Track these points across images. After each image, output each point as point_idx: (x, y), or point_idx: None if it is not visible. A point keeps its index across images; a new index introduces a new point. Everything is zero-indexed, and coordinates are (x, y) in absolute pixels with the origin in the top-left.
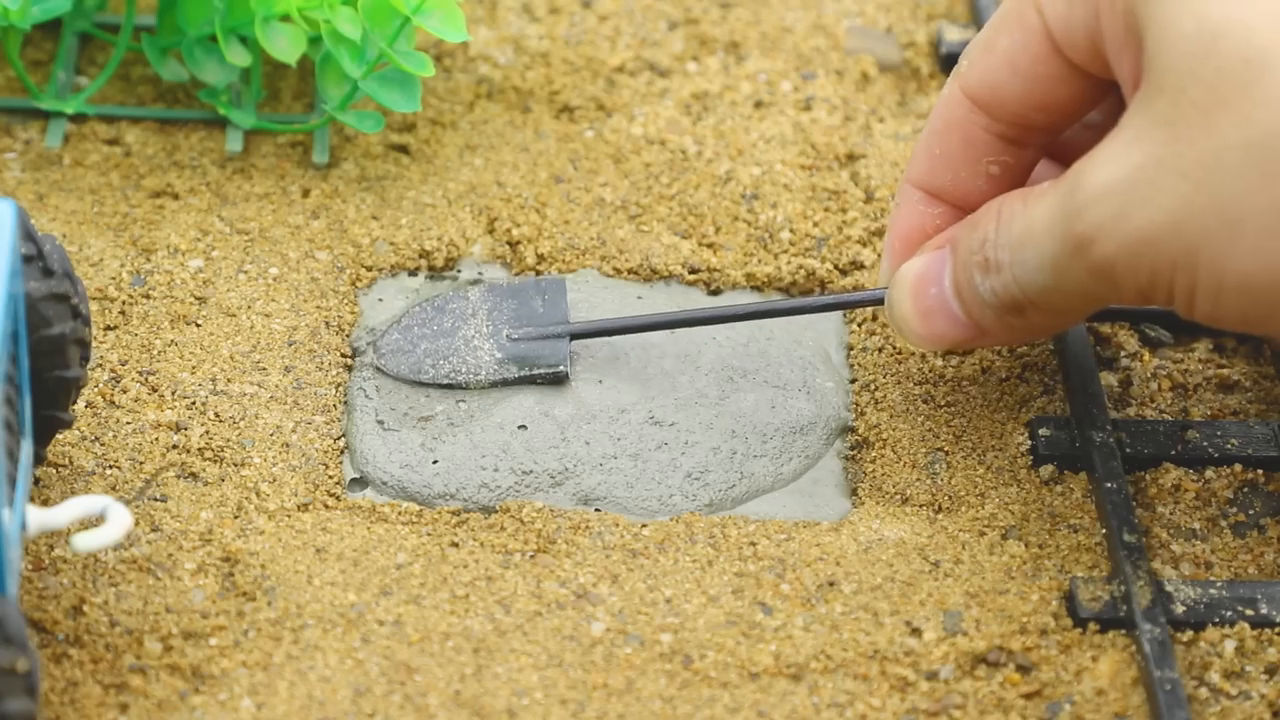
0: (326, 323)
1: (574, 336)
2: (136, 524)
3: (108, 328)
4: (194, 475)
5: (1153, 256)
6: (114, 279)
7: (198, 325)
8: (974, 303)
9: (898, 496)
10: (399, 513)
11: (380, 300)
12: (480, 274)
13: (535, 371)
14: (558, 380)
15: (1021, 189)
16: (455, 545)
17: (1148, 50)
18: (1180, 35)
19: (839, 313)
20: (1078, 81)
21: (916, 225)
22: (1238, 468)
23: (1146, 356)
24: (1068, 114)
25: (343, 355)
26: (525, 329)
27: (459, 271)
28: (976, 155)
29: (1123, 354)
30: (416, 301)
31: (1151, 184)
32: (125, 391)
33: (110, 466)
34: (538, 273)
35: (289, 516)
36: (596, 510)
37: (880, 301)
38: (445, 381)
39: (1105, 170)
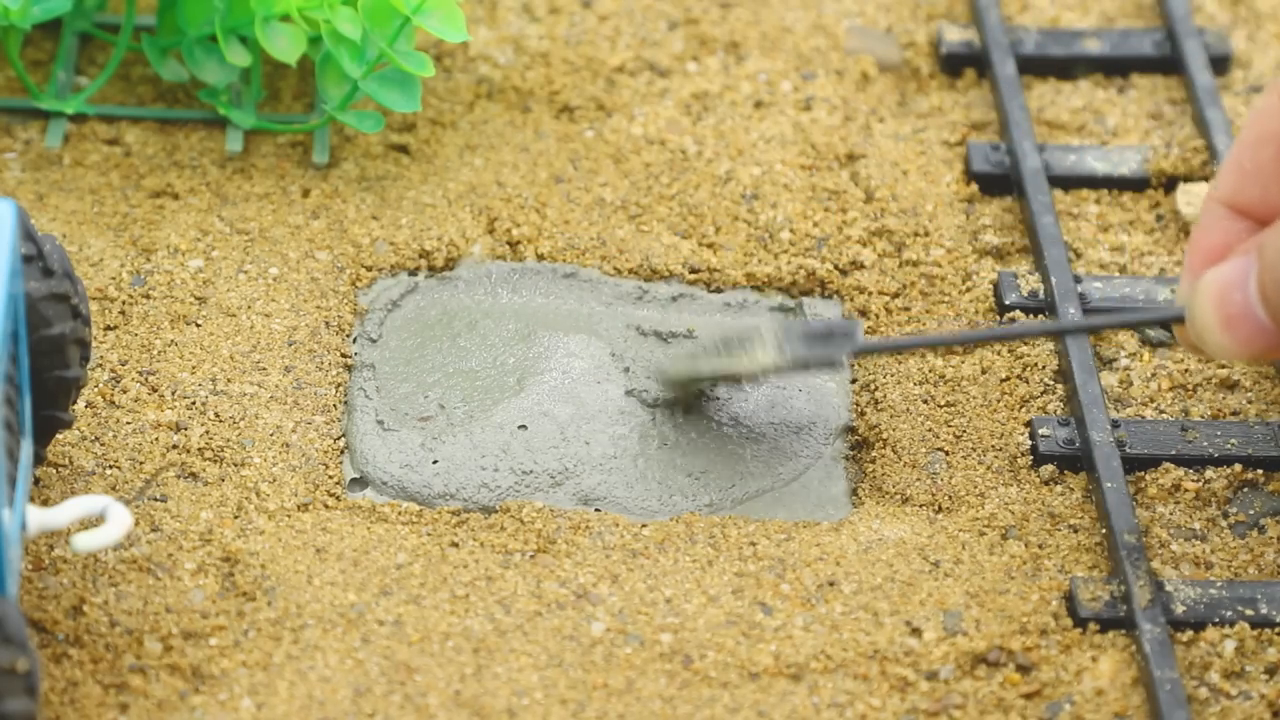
0: (326, 323)
1: (857, 352)
2: (136, 524)
3: (108, 328)
4: (194, 475)
5: None
6: (114, 279)
7: (198, 325)
8: None
9: (898, 496)
10: (399, 513)
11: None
12: (490, 273)
13: (809, 357)
14: (831, 366)
15: None
16: (455, 545)
17: None
18: None
19: (839, 311)
20: None
21: (1219, 241)
22: (1238, 468)
23: (1146, 356)
24: None
25: (343, 355)
26: (811, 345)
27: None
28: None
29: (1123, 354)
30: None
31: None
32: (125, 391)
33: (110, 466)
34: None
35: (289, 516)
36: (596, 510)
37: (1180, 317)
38: (721, 370)
39: None
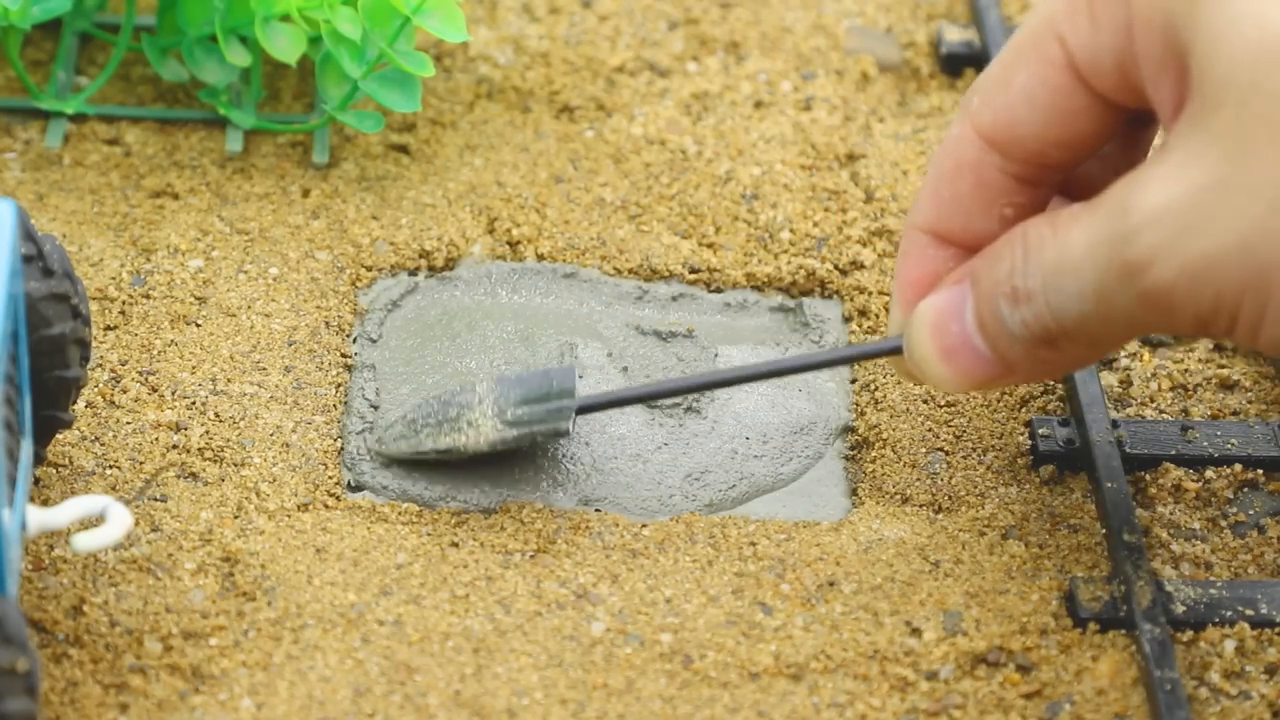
0: (326, 323)
1: (580, 410)
2: (136, 524)
3: (108, 328)
4: (194, 475)
5: (1218, 282)
6: (114, 279)
7: (198, 325)
8: (1001, 337)
9: (898, 496)
10: (399, 513)
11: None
12: (490, 273)
13: (535, 429)
14: (558, 435)
15: (1044, 214)
16: (455, 545)
17: (1196, 67)
18: (1240, 46)
19: (839, 311)
20: (1101, 113)
21: (929, 270)
22: (1238, 468)
23: (1146, 356)
24: (1087, 148)
25: (343, 355)
26: (531, 406)
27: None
28: (990, 198)
29: (1123, 354)
30: (424, 400)
31: (1217, 204)
32: (125, 391)
33: (110, 466)
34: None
35: (289, 516)
36: (596, 510)
37: (898, 350)
38: (445, 446)
39: (1159, 192)
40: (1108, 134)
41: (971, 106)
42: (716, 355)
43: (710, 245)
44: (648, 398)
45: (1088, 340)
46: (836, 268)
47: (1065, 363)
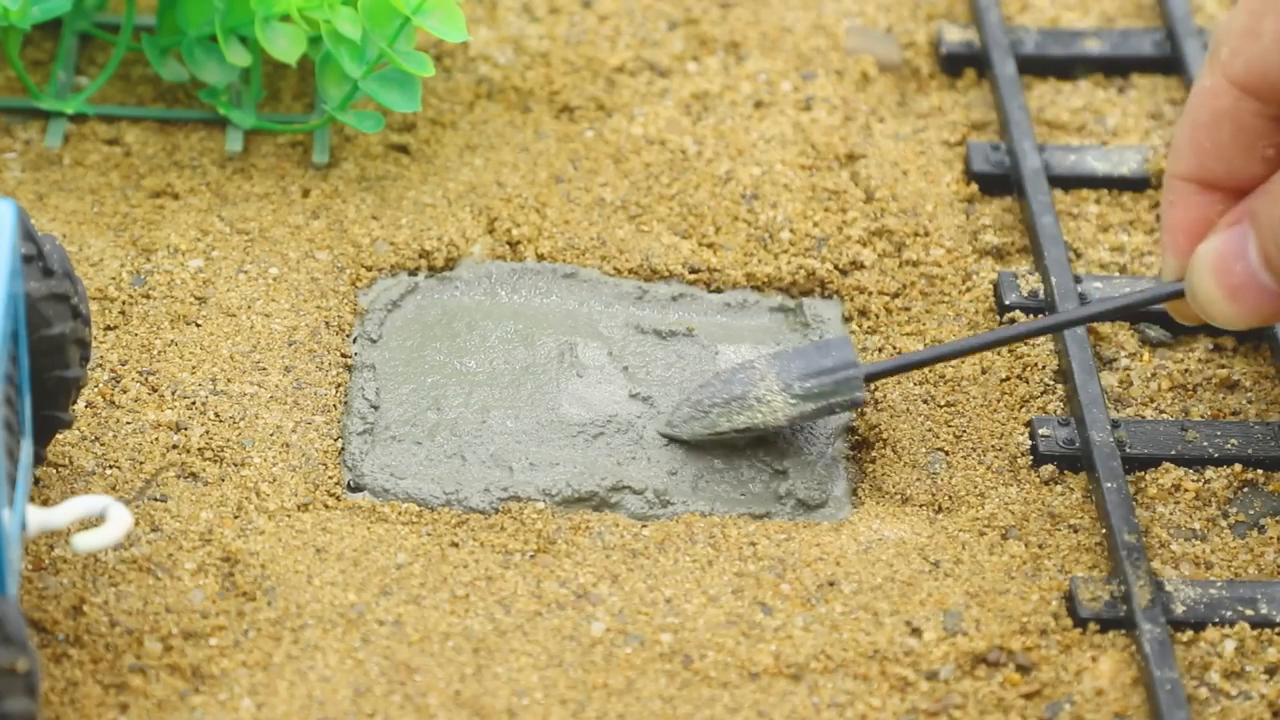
0: (326, 323)
1: (868, 378)
2: (136, 524)
3: (108, 328)
4: (194, 475)
5: None
6: (114, 279)
7: (198, 325)
8: None
9: (898, 496)
10: (399, 513)
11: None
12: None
13: (833, 401)
14: (855, 405)
15: None
16: (455, 545)
17: None
18: None
19: (839, 311)
20: None
21: (1198, 216)
22: (1238, 468)
23: (1146, 356)
24: None
25: (343, 355)
26: (818, 379)
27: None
28: (1250, 142)
29: (1123, 354)
30: (702, 382)
31: None
32: (125, 391)
33: (110, 466)
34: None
35: (289, 516)
36: (597, 510)
37: (1179, 294)
38: (742, 425)
39: None
40: None
41: (1221, 57)
42: (717, 354)
43: (710, 245)
44: (933, 360)
45: None
46: (836, 268)
47: None
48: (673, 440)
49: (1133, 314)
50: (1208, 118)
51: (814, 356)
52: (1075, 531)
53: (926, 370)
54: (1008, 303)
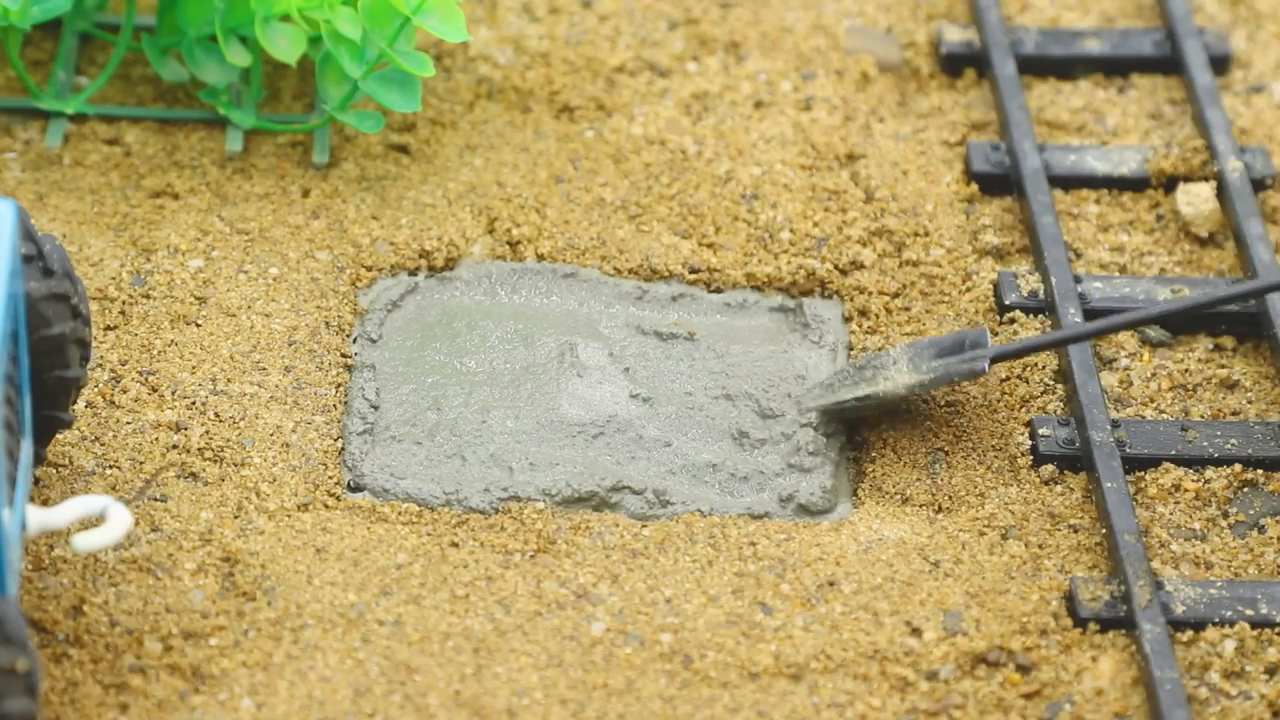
0: (326, 323)
1: (995, 359)
2: (136, 524)
3: (108, 328)
4: (194, 475)
5: None
6: (114, 279)
7: (198, 325)
8: None
9: (898, 496)
10: (399, 513)
11: None
12: (490, 273)
13: (952, 370)
14: (975, 374)
15: None
16: (455, 545)
17: None
18: None
19: (839, 311)
20: None
21: None
22: (1238, 468)
23: (1146, 356)
24: None
25: (343, 355)
26: (945, 359)
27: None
28: None
29: (1123, 354)
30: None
31: None
32: (125, 391)
33: (110, 466)
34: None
35: (289, 516)
36: (597, 511)
37: None
38: (863, 394)
39: None
40: None
41: None
42: (720, 355)
43: (710, 245)
44: (1061, 343)
45: None
46: (836, 268)
47: None
48: (813, 412)
49: None
50: None
51: (949, 343)
52: (1075, 531)
53: None
54: (1008, 302)
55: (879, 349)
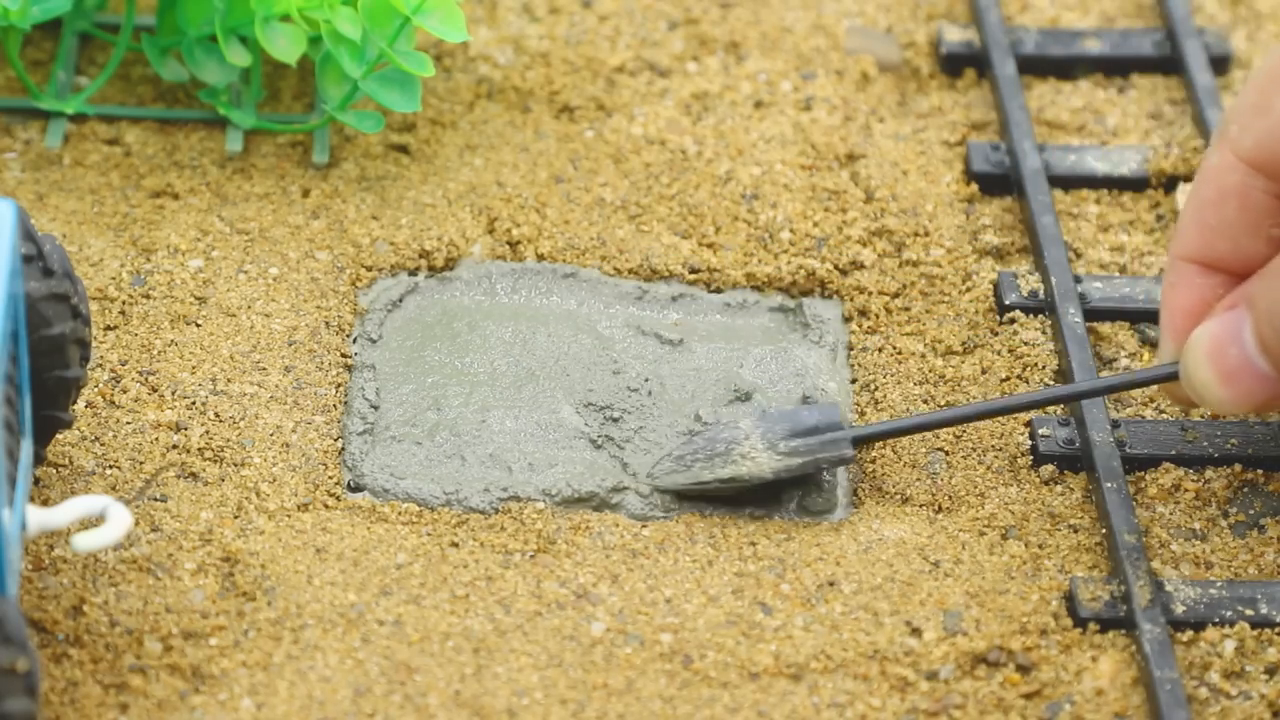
0: (326, 323)
1: (856, 441)
2: (136, 524)
3: (108, 328)
4: (194, 475)
5: None
6: (114, 279)
7: (198, 325)
8: None
9: (898, 496)
10: (399, 513)
11: None
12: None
13: (819, 457)
14: (843, 461)
15: None
16: (455, 545)
17: None
18: None
19: (839, 311)
20: None
21: (1198, 298)
22: (1238, 468)
23: (1146, 356)
24: None
25: (343, 355)
26: (803, 439)
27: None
28: (1257, 221)
29: (1123, 354)
30: (685, 438)
31: None
32: (125, 391)
33: (110, 466)
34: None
35: (289, 516)
36: (597, 511)
37: (1173, 376)
38: (726, 476)
39: None
40: None
41: (1230, 134)
42: (720, 355)
43: (710, 245)
44: (919, 428)
45: None
46: (836, 268)
47: None
48: (659, 491)
49: (1124, 390)
50: (1214, 195)
51: (800, 417)
52: (1075, 531)
53: (926, 370)
54: (1008, 302)
55: (878, 349)
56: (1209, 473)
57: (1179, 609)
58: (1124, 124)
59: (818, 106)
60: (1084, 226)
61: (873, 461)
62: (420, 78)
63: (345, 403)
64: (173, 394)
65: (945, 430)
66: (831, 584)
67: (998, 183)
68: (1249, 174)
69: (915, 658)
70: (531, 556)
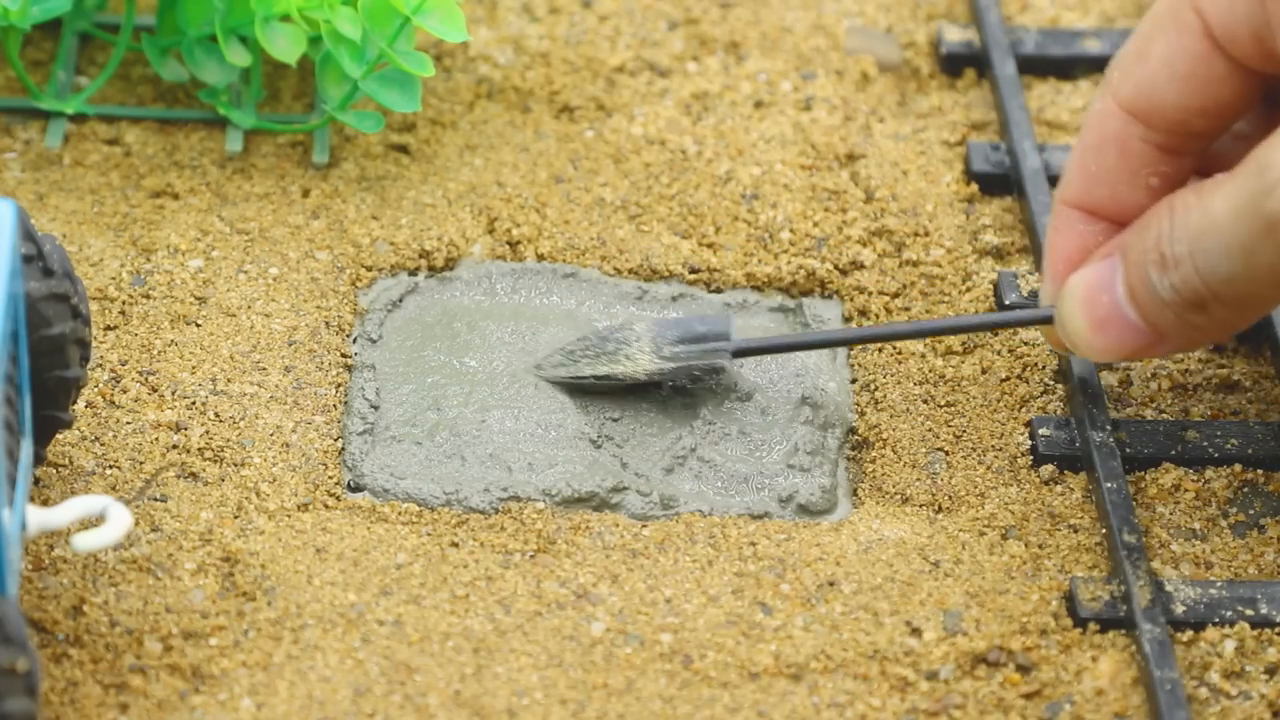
0: (326, 323)
1: (736, 354)
2: (136, 524)
3: (108, 328)
4: (194, 475)
5: None
6: (114, 279)
7: (198, 325)
8: (1151, 304)
9: (898, 496)
10: (399, 513)
11: None
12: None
13: (695, 364)
14: (715, 371)
15: (1189, 185)
16: (455, 545)
17: None
18: None
19: (839, 311)
20: (1239, 80)
21: (1077, 244)
22: (1238, 468)
23: None
24: (1227, 116)
25: (343, 355)
26: (687, 345)
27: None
28: (1135, 168)
29: None
30: (583, 335)
31: None
32: (125, 391)
33: (110, 466)
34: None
35: (289, 516)
36: (598, 510)
37: (1048, 319)
38: (603, 373)
39: None
40: (1246, 101)
41: (1112, 80)
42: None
43: (710, 245)
44: (803, 346)
45: (1236, 301)
46: (836, 268)
47: (1214, 328)
48: (542, 380)
49: (1001, 328)
50: (1095, 141)
51: (692, 325)
52: (1075, 531)
53: (926, 370)
54: (1008, 302)
55: (878, 349)
56: (1209, 473)
57: (1179, 609)
58: None
59: (818, 106)
60: None
61: (873, 462)
62: (420, 78)
63: (345, 403)
64: (173, 394)
65: (945, 430)
66: (831, 584)
67: (998, 183)
68: (1128, 121)
69: (915, 658)
70: (531, 556)
